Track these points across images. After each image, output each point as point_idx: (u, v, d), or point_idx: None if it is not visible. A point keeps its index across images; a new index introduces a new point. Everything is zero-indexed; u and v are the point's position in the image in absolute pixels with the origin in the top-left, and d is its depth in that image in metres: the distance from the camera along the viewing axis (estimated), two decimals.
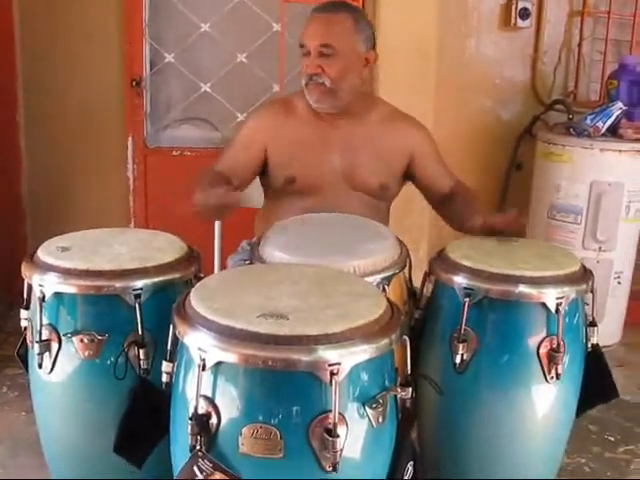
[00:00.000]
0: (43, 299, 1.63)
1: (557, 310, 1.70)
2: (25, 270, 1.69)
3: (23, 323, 1.74)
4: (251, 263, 1.77)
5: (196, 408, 1.30)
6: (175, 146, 3.54)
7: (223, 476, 1.28)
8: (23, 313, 1.74)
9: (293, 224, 1.95)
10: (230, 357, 1.27)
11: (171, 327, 1.42)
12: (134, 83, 3.40)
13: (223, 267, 2.43)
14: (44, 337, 1.64)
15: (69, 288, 1.63)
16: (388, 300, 1.48)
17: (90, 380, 1.67)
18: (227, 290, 1.47)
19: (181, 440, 1.35)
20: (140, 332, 1.62)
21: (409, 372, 1.43)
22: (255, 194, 2.31)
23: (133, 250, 1.75)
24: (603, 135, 3.21)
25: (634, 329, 3.41)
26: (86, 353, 1.65)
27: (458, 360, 1.75)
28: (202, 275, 1.74)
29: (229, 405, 1.30)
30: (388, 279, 1.70)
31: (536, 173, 3.39)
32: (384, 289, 1.67)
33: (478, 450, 1.84)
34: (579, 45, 3.72)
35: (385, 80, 3.27)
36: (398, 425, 1.43)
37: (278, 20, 3.39)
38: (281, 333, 1.26)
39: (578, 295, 1.77)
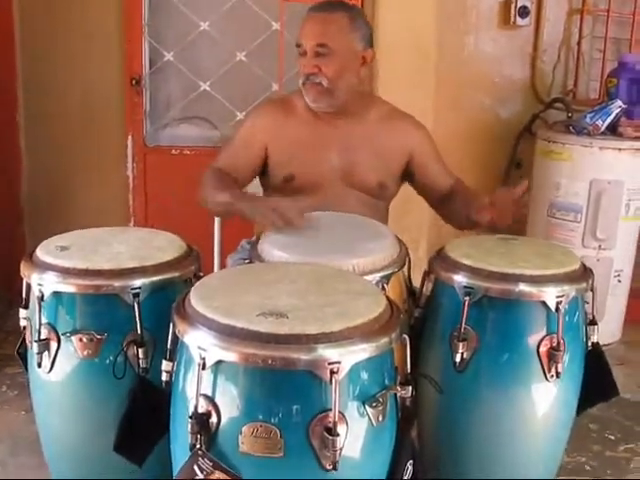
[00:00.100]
0: (42, 298, 1.63)
1: (557, 309, 1.70)
2: (24, 269, 1.69)
3: (22, 322, 1.73)
4: (251, 262, 1.77)
5: (196, 407, 1.30)
6: (174, 145, 3.54)
7: (223, 475, 1.28)
8: (22, 312, 1.73)
9: None
10: (230, 356, 1.27)
11: (171, 326, 1.42)
12: (134, 82, 3.40)
13: (223, 266, 2.43)
14: (43, 336, 1.64)
15: (68, 287, 1.63)
16: (388, 299, 1.47)
17: (89, 379, 1.67)
18: (227, 289, 1.46)
19: (181, 439, 1.35)
20: (139, 331, 1.62)
21: (409, 371, 1.43)
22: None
23: (132, 249, 1.74)
24: (603, 133, 3.21)
25: (634, 327, 3.41)
26: (85, 352, 1.64)
27: (458, 359, 1.75)
28: (202, 274, 1.74)
29: (229, 404, 1.30)
30: (387, 278, 1.70)
31: (536, 171, 3.38)
32: (383, 288, 1.67)
33: (478, 449, 1.84)
34: (578, 43, 3.72)
35: (384, 78, 3.27)
36: (398, 424, 1.43)
37: (277, 19, 3.39)
38: (281, 332, 1.26)
39: (578, 293, 1.77)
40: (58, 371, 1.67)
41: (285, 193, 2.15)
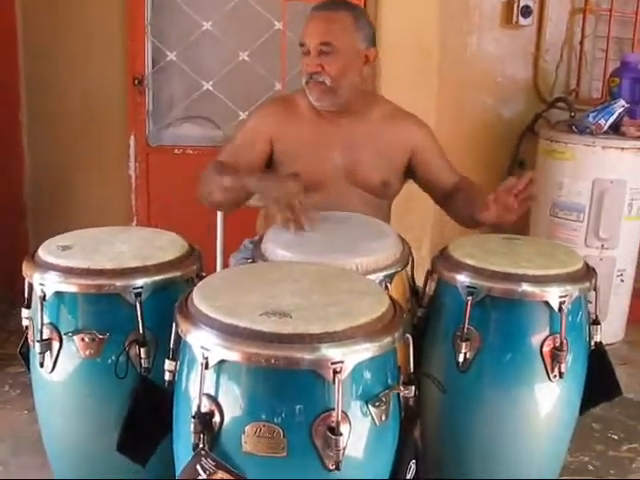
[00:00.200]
0: (44, 298, 1.63)
1: (560, 308, 1.69)
2: (26, 269, 1.69)
3: (24, 322, 1.74)
4: (253, 261, 1.77)
5: (199, 406, 1.30)
6: (177, 144, 3.53)
7: (226, 475, 1.28)
8: (24, 312, 1.74)
9: None
10: (233, 355, 1.27)
11: (174, 325, 1.42)
12: (136, 81, 3.39)
13: (225, 265, 2.43)
14: (45, 336, 1.64)
15: (70, 287, 1.63)
16: (391, 298, 1.47)
17: (91, 379, 1.67)
18: (229, 288, 1.46)
19: (184, 438, 1.35)
20: (141, 331, 1.62)
21: (412, 370, 1.43)
22: None
23: (134, 249, 1.74)
24: (605, 133, 3.20)
25: (637, 327, 3.41)
26: (87, 352, 1.64)
27: (461, 359, 1.75)
28: (204, 274, 1.74)
29: (232, 403, 1.30)
30: (390, 277, 1.70)
31: (538, 171, 3.37)
32: (386, 287, 1.66)
33: (481, 449, 1.84)
34: (581, 43, 3.72)
35: (387, 77, 3.26)
36: (401, 423, 1.43)
37: (280, 18, 3.38)
38: (284, 331, 1.26)
39: (581, 293, 1.76)
40: (60, 371, 1.67)
41: None
